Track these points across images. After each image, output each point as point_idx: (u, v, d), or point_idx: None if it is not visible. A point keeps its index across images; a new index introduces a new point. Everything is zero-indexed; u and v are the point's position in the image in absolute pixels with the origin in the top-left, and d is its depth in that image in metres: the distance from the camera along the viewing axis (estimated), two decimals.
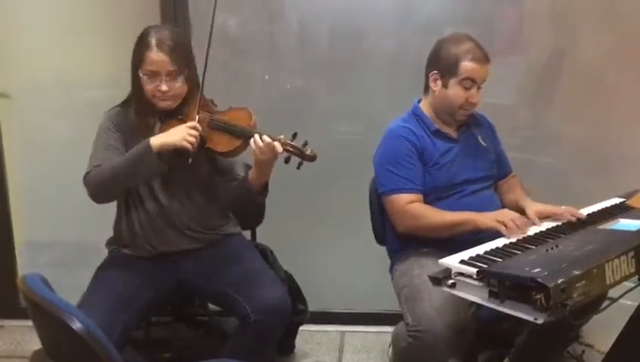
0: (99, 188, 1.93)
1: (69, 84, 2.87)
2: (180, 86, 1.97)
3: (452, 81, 2.02)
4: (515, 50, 2.74)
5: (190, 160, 1.92)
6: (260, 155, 1.89)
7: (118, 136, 2.01)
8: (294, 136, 1.89)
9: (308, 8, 2.72)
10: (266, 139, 1.86)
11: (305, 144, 1.88)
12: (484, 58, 2.00)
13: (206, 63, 1.98)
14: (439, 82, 2.05)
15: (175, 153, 1.91)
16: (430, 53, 2.10)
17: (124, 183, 1.97)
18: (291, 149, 1.87)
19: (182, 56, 1.96)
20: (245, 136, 1.92)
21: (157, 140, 1.88)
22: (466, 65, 1.99)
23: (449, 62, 2.01)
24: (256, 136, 1.88)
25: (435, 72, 2.06)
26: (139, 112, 2.01)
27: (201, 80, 1.99)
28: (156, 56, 1.91)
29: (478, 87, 2.03)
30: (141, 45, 1.94)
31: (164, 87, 1.93)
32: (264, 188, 2.02)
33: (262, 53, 2.75)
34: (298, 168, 1.88)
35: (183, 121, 1.98)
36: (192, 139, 1.87)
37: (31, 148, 2.92)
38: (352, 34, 2.70)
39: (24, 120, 2.91)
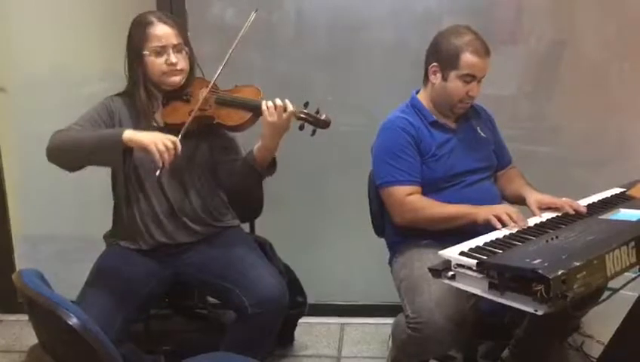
0: (55, 147, 1.89)
1: (65, 77, 2.85)
2: (185, 60, 2.00)
3: (452, 74, 2.00)
4: (515, 41, 2.72)
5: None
6: (268, 117, 1.86)
7: (110, 119, 1.99)
8: (306, 105, 1.90)
9: None
10: (277, 101, 1.87)
11: (317, 111, 1.89)
12: (484, 51, 1.98)
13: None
14: (439, 75, 2.04)
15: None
16: (430, 45, 2.08)
17: (78, 156, 1.88)
18: (304, 116, 1.88)
19: (182, 30, 2.01)
20: (255, 108, 1.91)
21: (130, 132, 1.81)
22: (467, 58, 1.97)
23: (449, 55, 1.99)
24: (268, 101, 1.87)
25: (435, 64, 2.04)
26: (146, 94, 1.99)
27: (220, 69, 1.98)
28: (161, 29, 1.94)
29: (478, 81, 2.02)
30: (141, 26, 1.96)
31: (173, 58, 1.95)
32: (272, 165, 2.00)
33: (260, 43, 2.73)
34: (312, 135, 1.90)
35: (188, 102, 2.00)
36: (162, 148, 1.78)
37: (28, 142, 2.90)
38: (351, 24, 2.68)
39: (21, 114, 2.89)
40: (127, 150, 1.82)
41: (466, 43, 1.98)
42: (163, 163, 1.80)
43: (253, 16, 1.98)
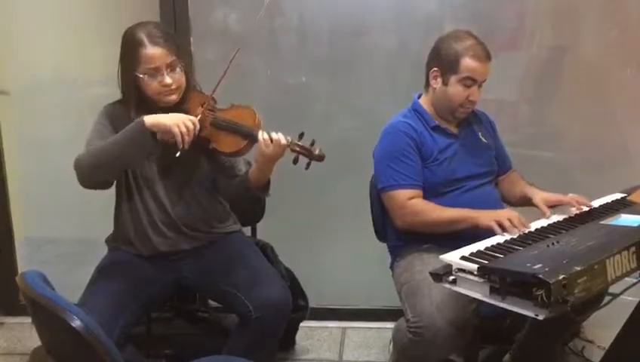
0: (87, 169, 1.87)
1: (68, 81, 2.87)
2: (180, 77, 1.94)
3: (452, 79, 2.01)
4: (516, 46, 2.73)
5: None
6: (265, 149, 1.86)
7: (113, 128, 1.96)
8: (301, 136, 1.88)
9: (308, 4, 2.71)
10: (273, 135, 1.86)
11: (312, 143, 1.87)
12: (485, 55, 1.99)
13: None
14: (439, 79, 2.05)
15: (164, 145, 1.88)
16: (431, 50, 2.09)
17: (114, 163, 1.88)
18: (299, 149, 1.87)
19: (174, 45, 1.94)
20: (251, 136, 1.90)
21: (150, 118, 1.82)
22: (467, 63, 1.98)
23: (449, 60, 2.00)
24: (264, 133, 1.86)
25: (436, 68, 2.05)
26: (139, 112, 1.93)
27: (217, 81, 1.96)
28: (152, 51, 1.88)
29: (479, 85, 2.03)
30: (132, 45, 1.90)
31: (168, 80, 1.90)
32: (266, 186, 2.00)
33: (262, 49, 2.75)
34: (307, 168, 1.88)
35: None
36: (184, 129, 1.81)
37: (30, 145, 2.92)
38: (353, 30, 2.69)
39: (23, 117, 2.90)
40: (153, 134, 1.83)
41: (466, 48, 1.98)
42: (183, 144, 1.82)
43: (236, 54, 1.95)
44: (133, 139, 1.83)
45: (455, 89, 2.02)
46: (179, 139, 1.81)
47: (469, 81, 2.00)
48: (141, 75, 1.90)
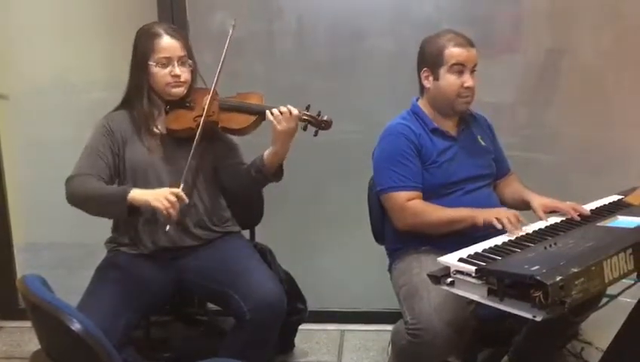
0: (71, 198, 1.95)
1: (67, 85, 2.87)
2: (188, 73, 2.05)
3: (442, 71, 2.04)
4: (514, 49, 2.74)
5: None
6: (278, 126, 1.94)
7: (112, 142, 2.02)
8: (308, 107, 2.01)
9: (307, 7, 2.72)
10: (282, 108, 1.95)
11: (319, 114, 2.00)
12: (466, 42, 2.03)
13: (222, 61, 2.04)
14: (431, 77, 2.07)
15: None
16: (417, 55, 2.12)
17: (89, 209, 1.96)
18: (307, 118, 1.99)
19: (187, 43, 2.06)
20: (259, 112, 2.00)
21: (134, 193, 1.87)
22: (451, 51, 2.02)
23: (434, 55, 2.04)
24: (273, 109, 1.96)
25: (425, 68, 2.08)
26: (148, 103, 2.04)
27: (216, 75, 2.04)
28: (168, 42, 2.00)
29: (471, 72, 2.04)
30: (148, 36, 2.01)
31: (177, 71, 2.00)
32: (279, 171, 2.06)
33: (261, 53, 2.75)
34: (315, 135, 2.01)
35: (192, 109, 2.05)
36: (167, 203, 1.84)
37: (29, 149, 2.92)
38: (351, 33, 2.70)
39: (22, 121, 2.91)
40: (134, 208, 1.88)
41: (448, 39, 2.03)
42: (170, 217, 1.86)
43: (232, 29, 2.06)
44: (110, 204, 1.90)
45: (447, 80, 2.04)
46: (164, 213, 1.85)
47: (457, 67, 2.02)
48: (153, 64, 1.99)
